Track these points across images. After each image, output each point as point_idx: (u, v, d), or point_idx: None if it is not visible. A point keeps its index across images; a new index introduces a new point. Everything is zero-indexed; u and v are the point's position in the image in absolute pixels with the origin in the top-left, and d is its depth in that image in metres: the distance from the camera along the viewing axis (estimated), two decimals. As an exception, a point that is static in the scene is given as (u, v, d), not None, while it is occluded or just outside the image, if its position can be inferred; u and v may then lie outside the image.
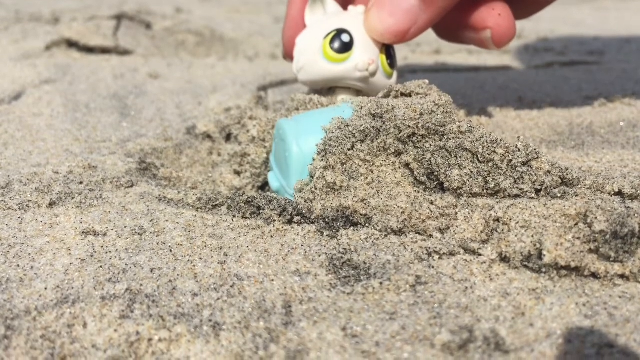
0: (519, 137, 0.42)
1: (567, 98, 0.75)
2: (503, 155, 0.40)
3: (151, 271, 0.35)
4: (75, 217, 0.41)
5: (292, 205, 0.42)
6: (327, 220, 0.40)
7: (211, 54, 1.08)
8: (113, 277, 0.35)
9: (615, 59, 1.03)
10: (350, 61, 0.49)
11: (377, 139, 0.42)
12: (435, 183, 0.42)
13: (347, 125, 0.43)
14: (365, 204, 0.41)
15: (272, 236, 0.40)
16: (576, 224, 0.36)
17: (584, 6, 1.89)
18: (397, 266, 0.36)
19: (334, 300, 0.33)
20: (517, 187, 0.39)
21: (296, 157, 0.43)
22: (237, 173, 0.54)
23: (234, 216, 0.43)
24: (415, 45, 1.15)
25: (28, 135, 0.59)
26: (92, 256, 0.37)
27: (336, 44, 0.49)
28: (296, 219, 0.41)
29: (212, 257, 0.37)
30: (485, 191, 0.40)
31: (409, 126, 0.42)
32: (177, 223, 0.41)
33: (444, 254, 0.37)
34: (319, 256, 0.37)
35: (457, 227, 0.39)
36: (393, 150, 0.42)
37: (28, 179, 0.47)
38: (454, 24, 0.53)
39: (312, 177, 0.43)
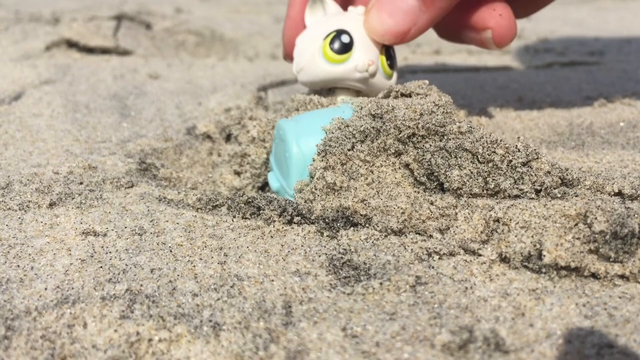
0: (518, 137, 0.42)
1: (567, 98, 0.75)
2: (503, 156, 0.40)
3: (151, 271, 0.35)
4: (75, 218, 0.41)
5: (292, 206, 0.42)
6: (327, 220, 0.40)
7: (211, 54, 1.08)
8: (113, 277, 0.35)
9: (616, 60, 1.03)
10: (350, 62, 0.49)
11: (377, 140, 0.42)
12: (435, 183, 0.42)
13: (347, 126, 0.43)
14: (365, 204, 0.41)
15: (272, 236, 0.40)
16: (576, 225, 0.36)
17: (584, 6, 1.89)
18: (397, 266, 0.36)
19: (334, 300, 0.33)
20: (517, 188, 0.39)
21: (296, 158, 0.43)
22: (237, 173, 0.54)
23: (234, 216, 0.43)
24: (415, 45, 1.15)
25: (28, 136, 0.59)
26: (92, 256, 0.37)
27: (336, 45, 0.49)
28: (296, 219, 0.41)
29: (212, 257, 0.37)
30: (485, 191, 0.40)
31: (409, 126, 0.42)
32: (177, 223, 0.41)
33: (444, 254, 0.37)
34: (319, 256, 0.37)
35: (457, 227, 0.39)
36: (393, 151, 0.43)
37: (28, 180, 0.47)
38: (454, 24, 0.53)
39: (312, 177, 0.43)
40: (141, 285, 0.34)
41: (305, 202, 0.42)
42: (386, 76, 0.51)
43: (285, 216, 0.41)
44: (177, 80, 0.85)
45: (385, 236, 0.39)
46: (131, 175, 0.50)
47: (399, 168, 0.43)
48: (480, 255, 0.37)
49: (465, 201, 0.40)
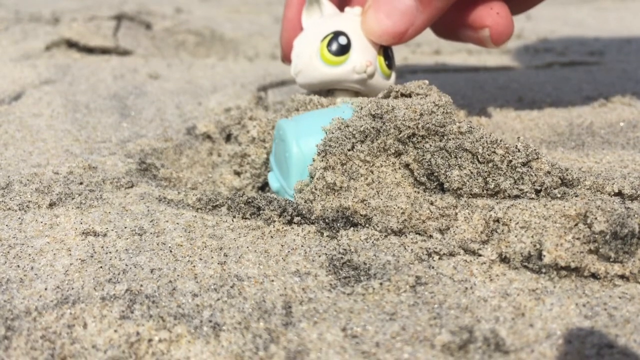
0: (518, 137, 0.42)
1: (567, 98, 0.75)
2: (503, 156, 0.40)
3: (151, 272, 0.35)
4: (75, 218, 0.41)
5: (292, 206, 0.42)
6: (327, 220, 0.40)
7: (211, 54, 1.08)
8: (113, 277, 0.35)
9: (616, 59, 1.03)
10: (347, 63, 0.49)
11: (377, 140, 0.42)
12: (435, 183, 0.42)
13: (347, 126, 0.43)
14: (365, 204, 0.41)
15: (272, 237, 0.40)
16: (576, 225, 0.36)
17: (584, 6, 1.89)
18: (397, 267, 0.36)
19: (334, 300, 0.33)
20: (517, 188, 0.39)
21: (296, 158, 0.43)
22: (237, 174, 0.54)
23: (234, 217, 0.43)
24: (415, 45, 1.15)
25: (28, 136, 0.59)
26: (92, 257, 0.37)
27: (333, 47, 0.49)
28: (296, 219, 0.41)
29: (212, 257, 0.37)
30: (485, 192, 0.40)
31: (409, 127, 0.42)
32: (177, 223, 0.41)
33: (444, 254, 0.37)
34: (319, 257, 0.37)
35: (457, 227, 0.39)
36: (393, 151, 0.42)
37: (28, 180, 0.47)
38: (452, 23, 0.53)
39: (312, 177, 0.43)
40: (141, 285, 0.34)
41: (305, 202, 0.42)
42: (384, 76, 0.51)
43: (285, 216, 0.41)
44: (177, 80, 0.85)
45: (385, 236, 0.39)
46: (131, 176, 0.50)
47: (399, 168, 0.43)
48: (480, 255, 0.37)
49: (465, 201, 0.40)
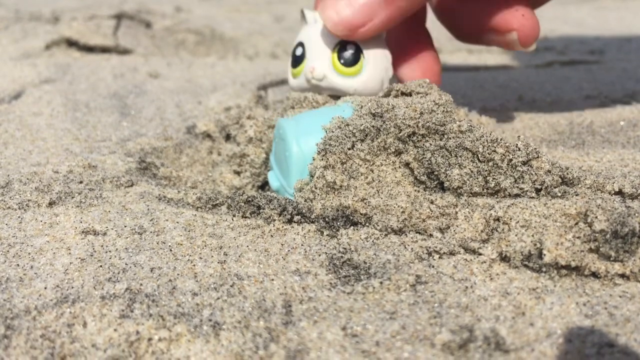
0: (519, 136, 0.42)
1: (567, 97, 0.75)
2: (503, 155, 0.40)
3: (151, 270, 0.35)
4: (75, 217, 0.41)
5: (292, 205, 0.42)
6: (327, 219, 0.40)
7: (211, 53, 1.08)
8: (113, 276, 0.35)
9: (616, 58, 1.03)
10: (302, 73, 0.49)
11: (377, 138, 0.42)
12: (436, 182, 0.42)
13: (347, 125, 0.43)
14: (365, 203, 0.41)
15: (272, 235, 0.40)
16: (576, 224, 0.36)
17: (584, 5, 1.89)
18: (397, 265, 0.36)
19: (334, 299, 0.33)
20: (517, 187, 0.39)
21: (296, 157, 0.43)
22: (237, 173, 0.54)
23: (234, 215, 0.43)
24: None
25: (28, 135, 0.59)
26: (91, 255, 0.37)
27: (292, 60, 0.50)
28: (296, 218, 0.41)
29: (212, 256, 0.37)
30: (485, 190, 0.40)
31: (409, 125, 0.42)
32: (177, 222, 0.41)
33: (444, 253, 0.37)
34: (319, 255, 0.37)
35: (457, 226, 0.39)
36: (393, 150, 0.42)
37: (28, 178, 0.47)
38: (476, 27, 0.52)
39: (312, 176, 0.43)
40: (141, 284, 0.34)
41: (305, 201, 0.42)
42: (343, 75, 0.49)
43: (285, 215, 0.41)
44: (177, 79, 0.84)
45: (386, 235, 0.39)
46: (131, 174, 0.50)
47: (399, 167, 0.43)
48: (480, 254, 0.37)
49: (465, 200, 0.40)
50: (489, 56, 1.08)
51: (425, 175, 0.42)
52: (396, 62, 0.52)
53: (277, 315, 0.32)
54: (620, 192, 0.40)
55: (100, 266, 0.36)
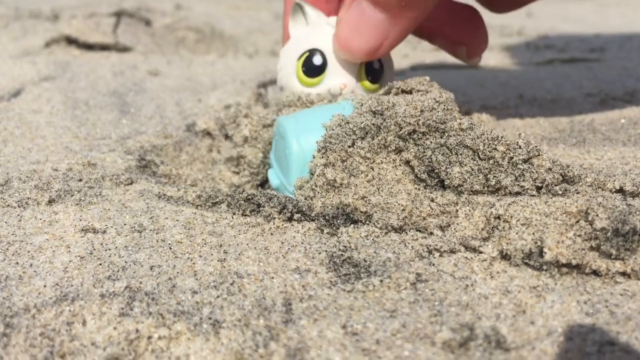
0: (520, 134, 0.42)
1: (567, 95, 0.75)
2: (504, 153, 0.40)
3: (151, 269, 0.35)
4: (74, 215, 0.41)
5: (292, 203, 0.42)
6: (327, 217, 0.40)
7: (211, 51, 1.07)
8: (112, 274, 0.35)
9: (616, 56, 1.03)
10: (322, 85, 0.47)
11: (377, 136, 0.42)
12: (436, 180, 0.42)
13: (347, 122, 0.42)
14: (365, 201, 0.41)
15: (272, 234, 0.40)
16: (577, 222, 0.36)
17: (585, 3, 1.89)
18: (398, 264, 0.36)
19: (334, 297, 0.33)
20: (518, 185, 0.39)
21: (296, 155, 0.43)
22: (236, 173, 0.54)
23: (234, 213, 0.43)
24: (415, 42, 1.14)
25: (27, 132, 0.59)
26: (91, 254, 0.37)
27: (308, 68, 0.47)
28: (296, 216, 0.41)
29: (211, 254, 0.37)
30: (486, 188, 0.40)
31: (410, 123, 0.42)
32: (177, 220, 0.41)
33: (444, 251, 0.37)
34: (319, 254, 0.37)
35: (457, 224, 0.39)
36: (393, 148, 0.42)
37: (27, 176, 0.47)
38: (430, 28, 0.51)
39: (312, 174, 0.43)
40: (140, 282, 0.34)
41: (306, 199, 0.42)
42: (367, 91, 0.48)
43: (285, 213, 0.41)
44: (176, 77, 0.84)
45: (386, 233, 0.39)
46: (130, 172, 0.50)
47: (400, 165, 0.43)
48: (481, 252, 0.37)
49: (466, 198, 0.40)
50: (489, 54, 1.07)
51: (425, 173, 0.42)
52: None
53: (277, 314, 0.32)
54: (621, 190, 0.40)
55: (100, 264, 0.36)
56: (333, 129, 0.42)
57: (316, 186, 0.42)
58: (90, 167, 0.49)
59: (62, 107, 0.66)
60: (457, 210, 0.40)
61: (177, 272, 0.35)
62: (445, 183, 0.41)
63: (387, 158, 0.43)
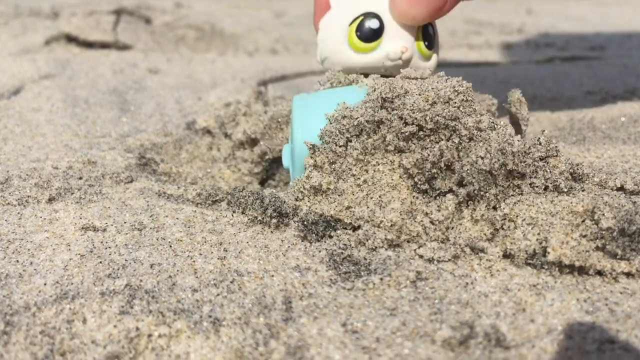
0: (543, 130, 0.41)
1: (568, 93, 0.75)
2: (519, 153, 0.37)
3: (151, 267, 0.35)
4: (74, 213, 0.41)
5: (273, 206, 0.40)
6: (305, 223, 0.39)
7: (211, 49, 1.07)
8: (112, 272, 0.35)
9: (617, 54, 1.03)
10: (380, 50, 0.44)
11: (375, 134, 0.39)
12: (437, 192, 0.39)
13: (345, 117, 0.40)
14: (350, 212, 0.38)
15: (272, 232, 0.40)
16: (583, 221, 0.35)
17: (585, 1, 1.89)
18: (398, 262, 0.36)
19: (334, 296, 0.33)
20: (528, 182, 0.38)
21: (299, 147, 0.41)
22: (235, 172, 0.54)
23: (234, 212, 0.42)
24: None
25: (27, 130, 0.59)
26: (91, 252, 0.37)
27: (363, 32, 0.43)
28: (275, 221, 0.40)
29: (212, 252, 0.37)
30: (493, 184, 0.38)
31: (415, 118, 0.38)
32: (177, 218, 0.41)
33: (446, 259, 0.37)
34: (319, 252, 0.37)
35: (462, 225, 0.38)
36: (393, 148, 0.39)
37: (27, 174, 0.47)
38: None
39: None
40: (141, 280, 0.34)
41: (296, 199, 0.41)
42: (424, 58, 0.45)
43: (266, 215, 0.40)
44: (176, 75, 0.84)
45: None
46: (131, 170, 0.50)
47: (398, 167, 0.40)
48: (486, 253, 0.37)
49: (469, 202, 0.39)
50: (490, 52, 1.07)
51: (426, 182, 0.39)
52: None
53: (277, 312, 0.32)
54: (622, 188, 0.40)
55: (100, 262, 0.36)
56: (331, 123, 0.40)
57: (304, 189, 0.40)
58: (90, 165, 0.49)
59: (62, 105, 0.66)
60: (460, 218, 0.38)
61: (177, 270, 0.35)
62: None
63: (384, 159, 0.40)
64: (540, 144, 0.38)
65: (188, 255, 0.37)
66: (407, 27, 0.44)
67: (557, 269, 0.35)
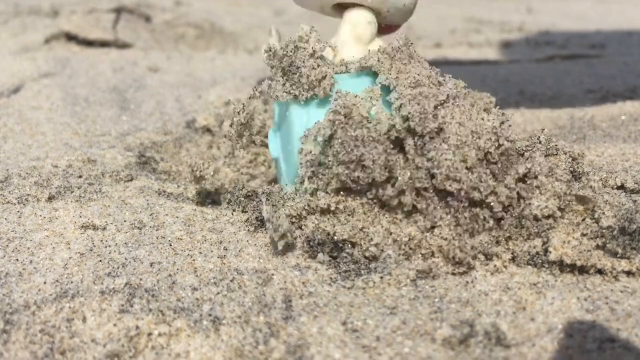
0: (543, 129, 0.41)
1: (568, 91, 0.75)
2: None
3: (151, 265, 0.35)
4: (74, 211, 0.41)
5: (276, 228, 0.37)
6: (312, 244, 0.37)
7: (211, 47, 1.07)
8: (112, 271, 0.35)
9: (617, 52, 1.03)
10: None
11: (385, 184, 0.35)
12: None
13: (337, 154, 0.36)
14: (364, 233, 0.36)
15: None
16: (584, 220, 0.35)
17: (585, -1, 1.89)
18: (398, 260, 0.36)
19: (334, 294, 0.33)
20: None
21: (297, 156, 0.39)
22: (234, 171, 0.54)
23: (234, 210, 0.42)
24: (416, 39, 1.14)
25: (27, 129, 0.58)
26: (91, 250, 0.37)
27: None
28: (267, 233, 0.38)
29: (211, 251, 0.37)
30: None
31: (450, 186, 0.33)
32: (177, 217, 0.41)
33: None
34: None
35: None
36: (399, 205, 0.36)
37: (27, 173, 0.47)
38: None
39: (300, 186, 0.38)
40: (140, 279, 0.34)
41: (300, 219, 0.38)
42: None
43: (250, 224, 0.39)
44: (176, 73, 0.84)
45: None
46: (130, 169, 0.50)
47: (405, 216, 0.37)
48: (498, 257, 0.36)
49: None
50: (490, 50, 1.07)
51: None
52: None
53: (277, 310, 0.32)
54: (622, 187, 0.40)
55: (100, 261, 0.36)
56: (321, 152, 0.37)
57: (308, 207, 0.38)
58: (90, 164, 0.49)
59: (62, 103, 0.66)
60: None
61: (177, 269, 0.35)
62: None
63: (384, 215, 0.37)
64: (540, 142, 0.38)
65: (188, 254, 0.37)
66: None
67: (557, 267, 0.35)
